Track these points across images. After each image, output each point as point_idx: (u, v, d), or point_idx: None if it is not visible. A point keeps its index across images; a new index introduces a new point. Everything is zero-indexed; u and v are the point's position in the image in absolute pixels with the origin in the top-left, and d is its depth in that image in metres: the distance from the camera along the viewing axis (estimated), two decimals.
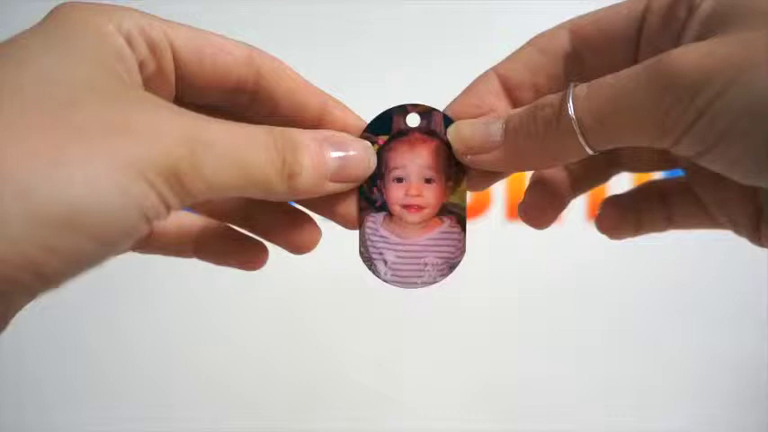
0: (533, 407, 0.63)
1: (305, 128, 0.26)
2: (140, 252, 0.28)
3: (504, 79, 0.27)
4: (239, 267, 0.29)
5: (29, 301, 0.21)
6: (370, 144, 0.27)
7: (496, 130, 0.25)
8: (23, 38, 0.20)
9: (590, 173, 0.30)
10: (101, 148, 0.17)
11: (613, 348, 0.65)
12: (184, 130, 0.19)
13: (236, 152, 0.20)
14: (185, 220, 0.29)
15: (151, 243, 0.28)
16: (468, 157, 0.26)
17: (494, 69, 0.27)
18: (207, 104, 0.25)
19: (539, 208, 0.29)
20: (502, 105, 0.27)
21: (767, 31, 0.19)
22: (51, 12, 0.21)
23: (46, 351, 0.63)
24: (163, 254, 0.29)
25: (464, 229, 0.28)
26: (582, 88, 0.22)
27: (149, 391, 0.63)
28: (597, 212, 0.30)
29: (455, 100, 0.28)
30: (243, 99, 0.26)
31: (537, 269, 0.63)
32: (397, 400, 0.63)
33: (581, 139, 0.22)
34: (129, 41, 0.22)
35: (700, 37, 0.22)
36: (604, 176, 0.31)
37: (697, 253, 0.62)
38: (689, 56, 0.19)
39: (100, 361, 0.64)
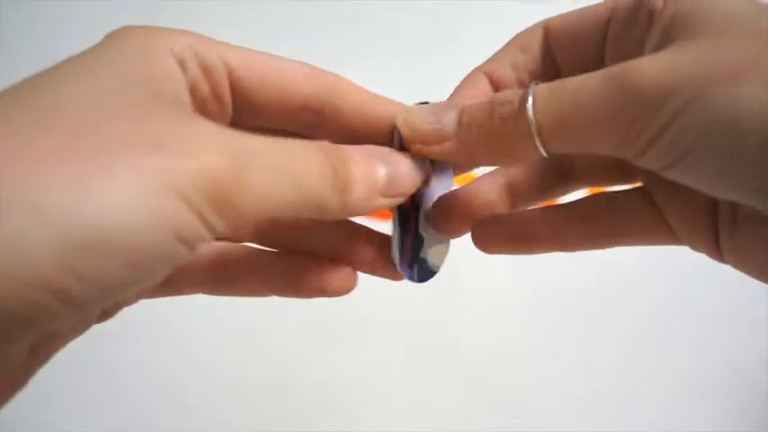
0: (532, 406, 0.63)
1: (382, 141, 0.25)
2: (213, 293, 0.27)
3: (492, 78, 0.26)
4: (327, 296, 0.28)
5: (70, 331, 0.21)
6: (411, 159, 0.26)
7: (449, 119, 0.23)
8: (70, 60, 0.19)
9: (534, 188, 0.28)
10: (126, 162, 0.15)
11: (614, 348, 0.65)
12: (226, 142, 0.17)
13: (285, 164, 0.19)
14: (257, 255, 0.27)
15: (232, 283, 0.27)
16: (417, 145, 0.24)
17: (480, 69, 0.27)
18: (268, 126, 0.25)
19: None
20: None
21: (727, 38, 0.19)
22: (107, 35, 0.20)
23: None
24: (235, 295, 0.27)
25: (401, 226, 0.27)
26: (542, 89, 0.21)
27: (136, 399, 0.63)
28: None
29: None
30: (308, 118, 0.25)
31: (536, 269, 0.63)
32: (395, 403, 0.63)
33: (537, 140, 0.21)
34: (181, 63, 0.21)
35: (661, 44, 0.21)
36: (550, 194, 0.28)
37: (696, 254, 0.62)
38: (650, 69, 0.19)
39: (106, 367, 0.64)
